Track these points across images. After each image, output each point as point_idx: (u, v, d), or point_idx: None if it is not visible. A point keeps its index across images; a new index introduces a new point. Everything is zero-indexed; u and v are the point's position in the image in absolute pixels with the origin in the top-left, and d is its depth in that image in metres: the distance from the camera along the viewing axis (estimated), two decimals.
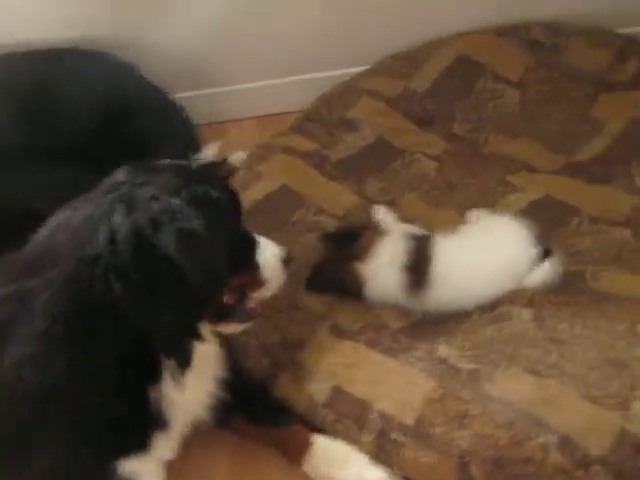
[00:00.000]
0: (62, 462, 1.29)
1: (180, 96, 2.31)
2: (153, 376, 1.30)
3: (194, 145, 2.27)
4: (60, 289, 1.20)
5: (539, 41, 2.27)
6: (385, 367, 1.54)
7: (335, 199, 1.98)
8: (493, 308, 1.62)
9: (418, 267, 1.65)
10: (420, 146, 2.15)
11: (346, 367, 1.57)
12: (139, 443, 1.34)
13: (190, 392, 1.37)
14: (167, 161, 1.38)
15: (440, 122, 2.22)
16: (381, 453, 1.46)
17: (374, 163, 2.11)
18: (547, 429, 1.34)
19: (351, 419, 1.50)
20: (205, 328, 1.35)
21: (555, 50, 2.25)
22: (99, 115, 2.01)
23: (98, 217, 1.21)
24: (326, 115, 2.22)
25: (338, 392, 1.53)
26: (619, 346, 1.44)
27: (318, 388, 1.55)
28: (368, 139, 2.17)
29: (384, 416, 1.47)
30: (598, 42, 2.24)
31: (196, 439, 1.50)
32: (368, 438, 1.47)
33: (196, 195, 1.25)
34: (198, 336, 1.30)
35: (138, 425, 1.33)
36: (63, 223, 1.26)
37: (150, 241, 1.18)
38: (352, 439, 1.49)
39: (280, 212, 1.91)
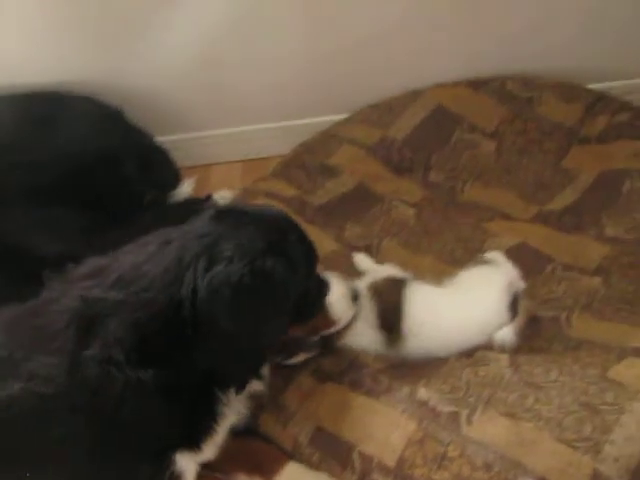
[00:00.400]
0: (131, 450, 1.41)
1: (165, 139, 2.36)
2: (223, 387, 1.47)
3: (177, 186, 2.32)
4: (151, 317, 1.36)
5: (513, 94, 2.36)
6: (367, 409, 1.58)
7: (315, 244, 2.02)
8: (471, 353, 1.67)
9: (390, 324, 1.69)
10: (398, 193, 2.22)
11: (329, 408, 1.61)
12: (194, 441, 1.46)
13: (233, 408, 1.53)
14: (251, 207, 1.57)
15: (417, 170, 2.30)
16: None
17: (354, 209, 2.17)
18: (524, 471, 1.39)
19: (335, 460, 1.54)
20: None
21: (529, 103, 2.35)
22: (85, 158, 2.05)
23: (186, 264, 1.37)
24: (308, 161, 2.29)
25: (321, 433, 1.57)
26: (591, 391, 1.49)
27: (302, 429, 1.59)
28: (348, 185, 2.24)
29: (366, 457, 1.51)
30: (570, 96, 2.34)
31: None
32: (351, 478, 1.51)
33: (266, 265, 1.38)
34: (259, 376, 1.51)
35: (199, 427, 1.47)
36: (154, 255, 1.42)
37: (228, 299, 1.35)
38: (337, 478, 1.53)
39: None
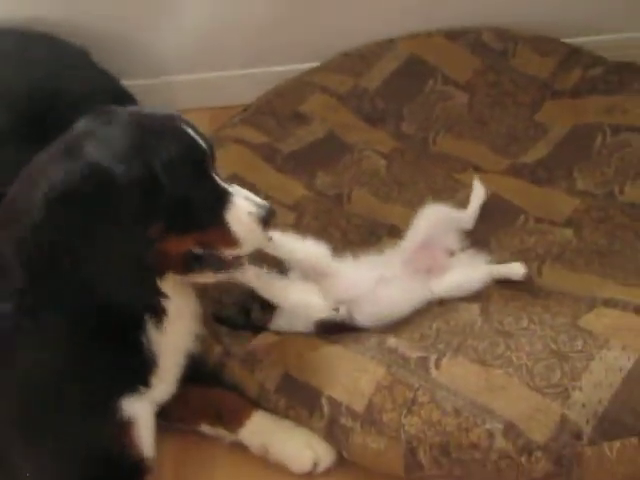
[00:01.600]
0: (64, 398, 1.36)
1: (131, 83, 2.30)
2: (136, 320, 1.39)
3: None
4: (21, 245, 1.28)
5: (488, 45, 2.34)
6: (335, 355, 1.57)
7: (285, 191, 2.01)
8: (441, 303, 1.68)
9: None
10: (370, 143, 2.20)
11: (296, 355, 1.59)
12: (137, 382, 1.42)
13: (175, 336, 1.46)
14: (138, 108, 1.47)
15: (390, 121, 2.28)
16: (331, 439, 1.50)
17: (324, 157, 2.14)
18: (493, 416, 1.39)
19: (302, 405, 1.52)
20: (171, 280, 1.41)
21: (503, 55, 2.33)
22: (44, 99, 1.99)
23: (45, 165, 1.31)
24: (278, 108, 2.25)
25: (288, 379, 1.56)
26: (561, 339, 1.50)
27: (269, 375, 1.57)
28: (319, 134, 2.21)
29: (334, 402, 1.50)
30: (545, 50, 2.33)
31: None
32: (319, 424, 1.50)
33: (104, 168, 1.26)
34: (159, 293, 1.38)
35: (133, 366, 1.41)
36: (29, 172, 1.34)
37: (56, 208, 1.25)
38: (304, 425, 1.53)
39: None
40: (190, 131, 1.38)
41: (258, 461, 1.55)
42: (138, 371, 1.43)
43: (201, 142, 1.38)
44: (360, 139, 2.21)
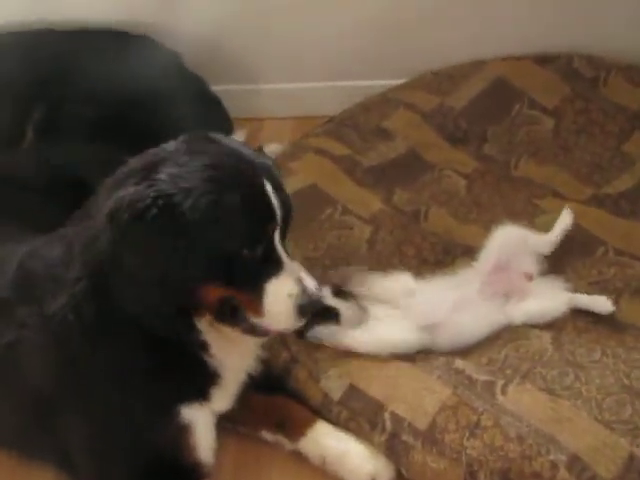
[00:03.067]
0: (129, 400, 1.39)
1: (219, 88, 2.36)
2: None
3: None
4: (88, 244, 1.33)
5: (579, 72, 2.32)
6: (401, 371, 1.58)
7: (363, 204, 2.02)
8: (512, 329, 1.66)
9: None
10: (451, 163, 2.20)
11: (363, 368, 1.60)
12: (197, 391, 1.44)
13: (236, 357, 1.49)
14: (236, 146, 1.41)
15: (472, 141, 2.27)
16: (391, 454, 1.50)
17: (404, 174, 2.15)
18: (558, 447, 1.38)
19: (364, 418, 1.53)
20: (207, 322, 1.40)
21: (594, 83, 2.30)
22: (141, 96, 2.06)
23: (122, 180, 1.32)
24: (362, 122, 2.27)
25: (353, 390, 1.57)
26: (635, 375, 1.47)
27: (334, 385, 1.59)
28: (400, 150, 2.22)
29: (397, 418, 1.50)
30: (637, 80, 2.29)
31: None
32: (380, 438, 1.51)
33: (175, 202, 1.25)
34: (192, 329, 1.38)
35: (197, 376, 1.44)
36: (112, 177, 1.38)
37: (125, 225, 1.26)
38: (364, 438, 1.53)
39: (308, 209, 1.95)
40: (269, 191, 1.34)
41: (316, 469, 1.56)
42: (198, 382, 1.45)
43: (276, 206, 1.34)
44: (441, 158, 2.21)
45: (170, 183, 1.26)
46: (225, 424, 1.58)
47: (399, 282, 1.70)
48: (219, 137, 1.41)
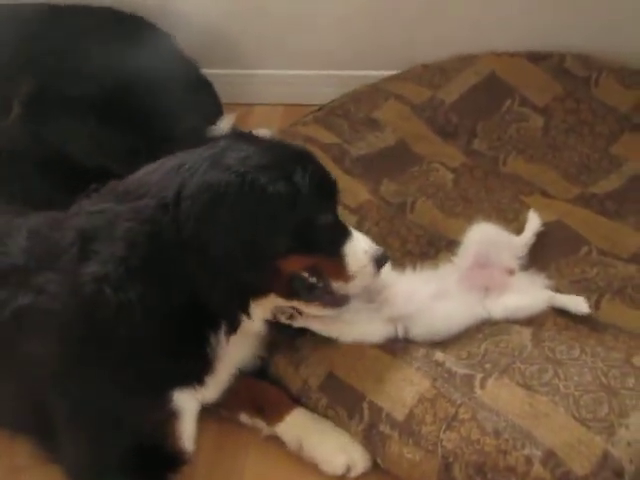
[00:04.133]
0: (126, 379, 1.39)
1: (211, 72, 2.34)
2: (214, 324, 1.42)
3: (216, 120, 2.31)
4: (141, 223, 1.34)
5: (571, 71, 2.32)
6: (381, 362, 1.58)
7: (350, 193, 2.01)
8: (493, 323, 1.66)
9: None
10: (439, 156, 2.20)
11: (343, 356, 1.60)
12: (193, 378, 1.45)
13: (238, 348, 1.51)
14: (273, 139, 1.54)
15: (462, 136, 2.28)
16: (368, 444, 1.50)
17: (392, 165, 2.15)
18: (533, 442, 1.38)
19: (343, 407, 1.53)
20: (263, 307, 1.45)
21: (585, 83, 2.30)
22: (133, 75, 2.04)
23: (185, 170, 1.36)
24: (352, 112, 2.27)
25: (333, 379, 1.57)
26: (613, 374, 1.48)
27: (313, 373, 1.59)
28: (389, 141, 2.22)
29: (375, 408, 1.50)
30: (628, 81, 2.29)
31: None
32: (357, 427, 1.51)
33: (261, 181, 1.33)
34: (246, 310, 1.41)
35: (196, 363, 1.45)
36: (162, 167, 1.41)
37: (206, 206, 1.31)
38: (342, 426, 1.53)
39: None
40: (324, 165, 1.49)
41: (293, 455, 1.56)
42: (197, 369, 1.46)
43: (333, 177, 1.49)
44: (430, 151, 2.21)
45: (241, 165, 1.33)
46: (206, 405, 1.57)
47: None
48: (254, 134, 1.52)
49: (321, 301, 1.51)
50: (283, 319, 1.56)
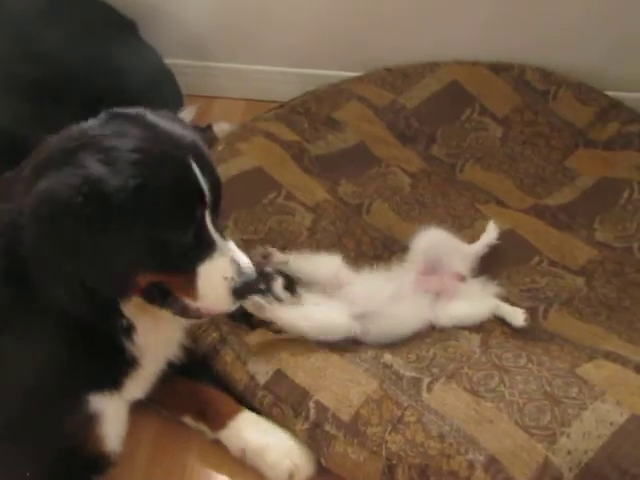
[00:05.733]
0: (35, 388, 1.30)
1: (174, 62, 2.31)
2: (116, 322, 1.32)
3: (177, 111, 2.27)
4: (5, 231, 1.26)
5: (530, 84, 2.35)
6: (329, 362, 1.56)
7: (307, 191, 2.01)
8: (442, 328, 1.67)
9: None
10: (398, 160, 2.20)
11: (291, 355, 1.58)
12: (110, 380, 1.38)
13: (157, 343, 1.41)
14: (162, 122, 1.31)
15: (421, 141, 2.29)
16: (312, 443, 1.48)
17: (351, 166, 2.15)
18: (477, 447, 1.38)
19: (288, 405, 1.51)
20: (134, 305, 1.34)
21: (544, 96, 2.34)
22: (92, 59, 2.00)
23: (43, 167, 1.23)
24: (314, 110, 2.26)
25: (280, 376, 1.55)
26: (557, 383, 1.48)
27: (260, 369, 1.57)
28: (349, 142, 2.22)
29: (321, 407, 1.49)
30: (586, 98, 2.33)
31: None
32: (302, 426, 1.49)
33: (105, 188, 1.18)
34: (118, 312, 1.31)
35: (109, 362, 1.36)
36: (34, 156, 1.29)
37: (46, 219, 1.19)
38: (286, 424, 1.51)
39: (252, 192, 1.93)
40: (197, 172, 1.27)
41: (235, 457, 1.53)
42: (113, 371, 1.38)
43: (204, 187, 1.28)
44: (389, 154, 2.21)
45: (94, 169, 1.18)
46: (145, 403, 1.54)
47: (330, 263, 1.69)
48: (143, 114, 1.32)
49: (174, 309, 1.36)
50: (253, 309, 1.54)
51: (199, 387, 1.60)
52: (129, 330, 1.35)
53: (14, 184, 1.30)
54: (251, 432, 1.52)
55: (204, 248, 1.30)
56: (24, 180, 1.25)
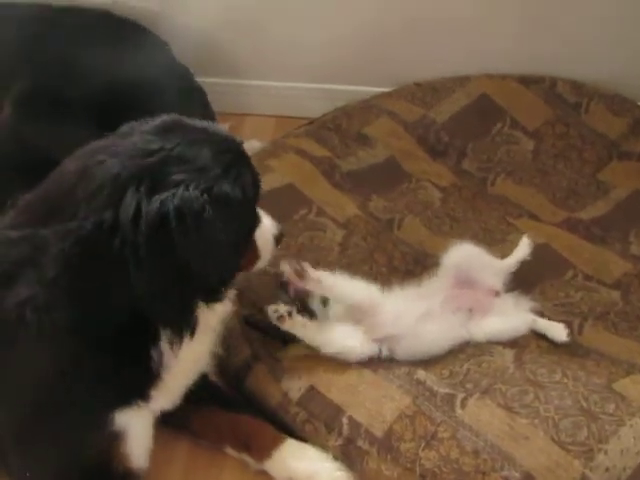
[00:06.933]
0: (58, 405, 1.31)
1: (205, 80, 2.33)
2: (153, 336, 1.33)
3: None
4: (74, 245, 1.22)
5: (562, 96, 2.34)
6: (362, 378, 1.56)
7: (338, 207, 2.01)
8: (476, 344, 1.66)
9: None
10: (428, 174, 2.20)
11: (324, 371, 1.58)
12: (136, 395, 1.37)
13: (189, 353, 1.40)
14: (204, 126, 1.38)
15: (452, 155, 2.28)
16: (345, 459, 1.48)
17: (382, 182, 2.15)
18: (512, 464, 1.37)
19: (321, 421, 1.52)
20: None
21: (576, 108, 2.32)
22: (127, 80, 2.03)
23: (122, 183, 1.22)
24: (344, 127, 2.27)
25: (313, 392, 1.55)
26: (593, 399, 1.47)
27: (294, 385, 1.57)
28: (380, 157, 2.22)
29: (354, 423, 1.49)
30: (619, 109, 2.31)
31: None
32: (335, 442, 1.49)
33: (224, 191, 1.29)
34: (194, 318, 1.34)
35: (136, 378, 1.36)
36: (85, 174, 1.26)
37: (171, 234, 1.21)
38: (320, 441, 1.51)
39: (283, 208, 1.92)
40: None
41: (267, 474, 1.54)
42: (139, 384, 1.38)
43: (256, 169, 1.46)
44: (419, 169, 2.21)
45: (199, 178, 1.25)
46: (187, 435, 1.56)
47: (366, 289, 1.67)
48: (190, 120, 1.39)
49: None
50: (274, 319, 1.55)
51: (240, 418, 1.59)
52: (155, 340, 1.34)
53: (36, 206, 1.32)
54: (297, 461, 1.51)
55: (259, 218, 1.50)
56: (91, 199, 1.23)
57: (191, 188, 1.23)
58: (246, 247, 1.45)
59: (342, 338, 1.60)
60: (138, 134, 1.31)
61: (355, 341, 1.60)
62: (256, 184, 1.43)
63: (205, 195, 1.24)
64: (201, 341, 1.45)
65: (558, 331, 1.66)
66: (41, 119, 1.91)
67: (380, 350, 1.61)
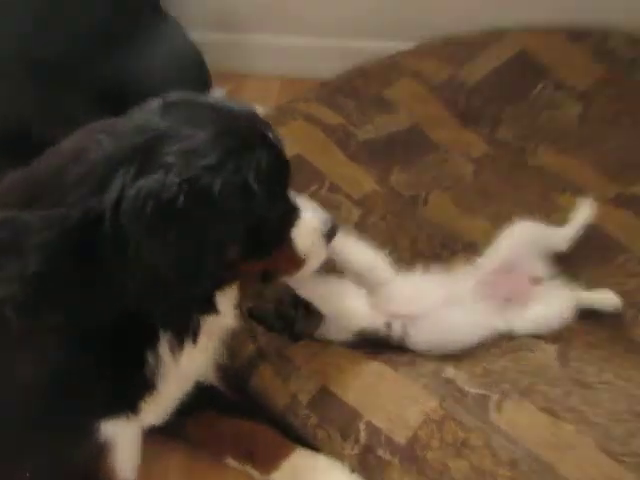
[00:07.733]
0: (42, 412, 1.31)
1: (198, 35, 2.32)
2: (150, 341, 1.34)
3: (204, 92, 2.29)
4: (60, 235, 1.22)
5: (615, 52, 2.33)
6: (382, 377, 1.56)
7: (354, 182, 2.02)
8: (513, 337, 1.66)
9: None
10: (458, 144, 2.21)
11: (338, 369, 1.59)
12: (125, 406, 1.38)
13: (188, 359, 1.40)
14: (219, 102, 1.36)
15: (485, 122, 2.28)
16: (363, 471, 1.48)
17: (404, 152, 2.15)
18: (555, 477, 1.37)
19: (335, 427, 1.52)
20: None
21: (631, 66, 2.31)
22: (113, 39, 2.04)
23: (114, 166, 1.21)
24: (361, 89, 2.27)
25: (325, 394, 1.55)
26: None
27: (303, 386, 1.57)
28: (402, 125, 2.22)
29: (373, 429, 1.49)
30: None
31: (148, 446, 1.49)
32: (351, 451, 1.49)
33: (210, 186, 1.22)
34: (211, 309, 1.35)
35: (126, 387, 1.36)
36: (80, 154, 1.26)
37: (150, 219, 1.19)
38: (334, 450, 1.51)
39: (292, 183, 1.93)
40: (277, 141, 1.35)
41: None
42: (130, 394, 1.38)
43: (285, 153, 1.37)
44: (448, 138, 2.21)
45: (187, 164, 1.21)
46: (185, 444, 1.57)
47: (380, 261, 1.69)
48: (200, 97, 1.36)
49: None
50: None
51: (243, 425, 1.59)
52: (153, 344, 1.35)
53: (21, 185, 1.32)
54: (308, 472, 1.52)
55: (291, 212, 1.41)
56: (80, 183, 1.24)
57: (171, 175, 1.19)
58: (259, 254, 1.38)
59: (343, 294, 1.61)
60: (139, 112, 1.31)
61: (357, 302, 1.61)
62: (279, 173, 1.36)
63: (185, 185, 1.19)
64: (203, 349, 1.45)
65: (608, 299, 1.67)
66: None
67: (390, 327, 1.61)
